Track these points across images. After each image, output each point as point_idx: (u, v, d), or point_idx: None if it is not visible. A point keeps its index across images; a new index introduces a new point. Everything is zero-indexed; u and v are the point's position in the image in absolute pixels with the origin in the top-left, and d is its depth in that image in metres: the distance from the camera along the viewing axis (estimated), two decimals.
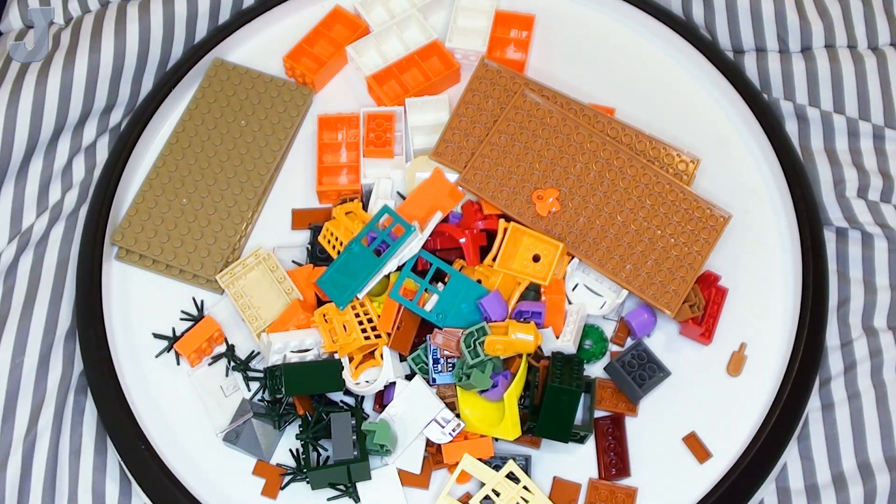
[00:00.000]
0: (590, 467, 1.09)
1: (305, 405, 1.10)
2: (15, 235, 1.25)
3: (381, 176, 1.20)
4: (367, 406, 1.12)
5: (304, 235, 1.20)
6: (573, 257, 1.12)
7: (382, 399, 1.11)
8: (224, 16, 1.33)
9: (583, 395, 1.08)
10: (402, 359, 1.11)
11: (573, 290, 1.13)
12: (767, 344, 1.13)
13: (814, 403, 1.15)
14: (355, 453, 1.05)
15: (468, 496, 1.07)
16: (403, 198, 1.20)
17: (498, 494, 1.06)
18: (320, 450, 1.10)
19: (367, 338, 1.08)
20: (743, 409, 1.10)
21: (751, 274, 1.16)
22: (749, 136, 1.22)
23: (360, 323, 1.09)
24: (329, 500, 1.08)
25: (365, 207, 1.18)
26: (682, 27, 1.26)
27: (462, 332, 1.06)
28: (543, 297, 1.11)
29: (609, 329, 1.13)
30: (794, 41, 1.31)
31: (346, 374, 1.09)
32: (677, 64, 1.27)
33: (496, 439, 1.08)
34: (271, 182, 1.23)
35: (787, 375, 1.09)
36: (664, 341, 1.14)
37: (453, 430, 1.07)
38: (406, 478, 1.08)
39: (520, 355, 1.07)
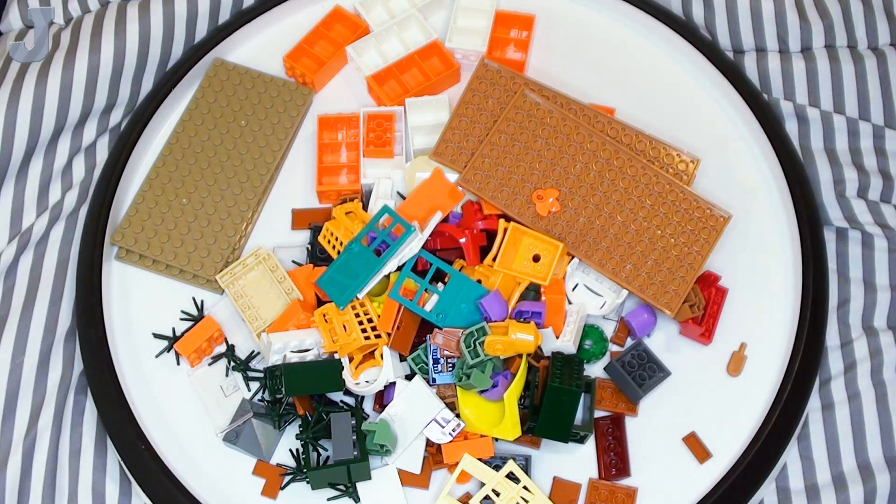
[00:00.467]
0: (590, 467, 1.09)
1: (305, 405, 1.09)
2: (15, 235, 1.25)
3: (381, 176, 1.20)
4: (367, 406, 1.12)
5: (304, 235, 1.20)
6: (573, 257, 1.12)
7: (382, 399, 1.10)
8: (224, 16, 1.33)
9: (583, 395, 1.08)
10: (402, 359, 1.11)
11: (573, 290, 1.13)
12: (767, 344, 1.13)
13: (814, 403, 1.15)
14: (355, 453, 1.05)
15: (468, 496, 1.07)
16: (403, 198, 1.20)
17: (498, 494, 1.06)
18: (320, 450, 1.10)
19: (367, 338, 1.08)
20: (743, 409, 1.10)
21: (751, 274, 1.16)
22: (749, 136, 1.22)
23: (360, 323, 1.09)
24: (329, 500, 1.08)
25: (365, 207, 1.18)
26: (682, 27, 1.26)
27: (462, 332, 1.06)
28: (543, 297, 1.11)
29: (609, 329, 1.13)
30: (794, 41, 1.31)
31: (346, 374, 1.08)
32: (677, 64, 1.27)
33: (496, 439, 1.08)
34: (271, 182, 1.23)
35: (787, 375, 1.09)
36: (664, 341, 1.13)
37: (453, 430, 1.07)
38: (406, 478, 1.08)
39: (520, 355, 1.07)
